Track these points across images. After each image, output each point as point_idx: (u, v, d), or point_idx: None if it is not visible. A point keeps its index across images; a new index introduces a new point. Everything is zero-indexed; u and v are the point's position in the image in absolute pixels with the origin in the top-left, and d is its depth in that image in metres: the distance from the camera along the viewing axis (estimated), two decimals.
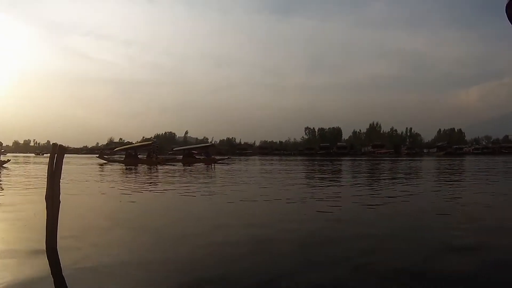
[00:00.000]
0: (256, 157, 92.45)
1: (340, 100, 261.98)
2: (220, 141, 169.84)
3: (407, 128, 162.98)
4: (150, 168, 36.80)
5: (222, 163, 49.38)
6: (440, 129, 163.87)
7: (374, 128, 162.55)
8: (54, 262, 5.46)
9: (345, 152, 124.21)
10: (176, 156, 59.85)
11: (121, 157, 56.61)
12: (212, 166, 40.92)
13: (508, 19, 2.03)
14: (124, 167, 39.44)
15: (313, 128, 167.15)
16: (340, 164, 46.19)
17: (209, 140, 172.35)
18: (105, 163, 49.91)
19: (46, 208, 6.15)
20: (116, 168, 38.25)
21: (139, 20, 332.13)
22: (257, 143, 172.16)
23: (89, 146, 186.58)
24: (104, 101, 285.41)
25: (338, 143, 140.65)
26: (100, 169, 35.96)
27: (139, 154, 53.64)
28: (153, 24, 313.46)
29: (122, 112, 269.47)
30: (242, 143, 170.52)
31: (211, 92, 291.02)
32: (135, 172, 31.04)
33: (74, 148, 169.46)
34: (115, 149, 66.63)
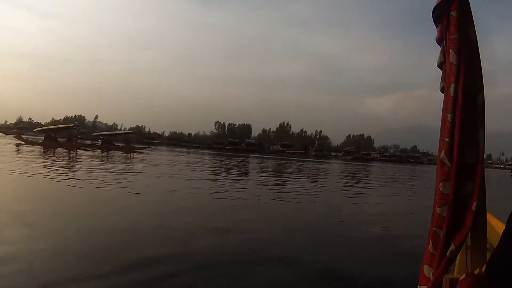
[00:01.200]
0: (164, 148, 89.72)
1: (252, 95, 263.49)
2: (130, 128, 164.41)
3: (316, 130, 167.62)
4: (68, 152, 36.45)
5: (141, 152, 49.88)
6: (349, 134, 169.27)
7: (284, 128, 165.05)
8: None
9: (253, 149, 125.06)
10: (95, 142, 58.60)
11: (39, 139, 53.40)
12: (131, 155, 41.56)
13: (434, 22, 2.16)
14: (42, 150, 38.16)
15: (223, 123, 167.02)
16: (247, 161, 48.15)
17: (119, 127, 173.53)
18: (22, 144, 47.78)
19: None
20: (33, 150, 36.73)
21: None
22: (166, 134, 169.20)
23: None
24: (15, 76, 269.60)
25: (247, 140, 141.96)
26: (16, 150, 34.94)
27: (58, 137, 51.60)
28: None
29: (33, 89, 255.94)
30: (151, 132, 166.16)
31: (125, 76, 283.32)
32: (53, 155, 30.51)
33: None
34: (34, 130, 63.34)
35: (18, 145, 44.06)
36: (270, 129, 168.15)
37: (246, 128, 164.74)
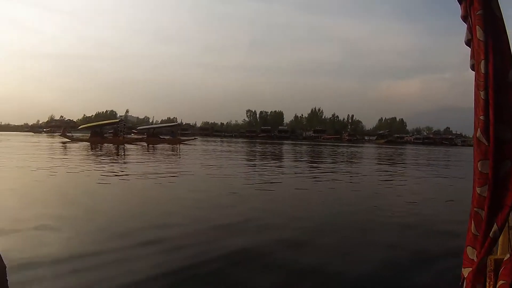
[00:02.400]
0: (198, 138, 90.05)
1: (282, 83, 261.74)
2: (161, 120, 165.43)
3: (348, 115, 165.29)
4: (117, 147, 36.27)
5: (188, 144, 49.81)
6: (381, 117, 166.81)
7: (315, 114, 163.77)
8: None
9: (286, 136, 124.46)
10: (142, 136, 56.85)
11: (85, 136, 53.17)
12: (178, 146, 41.10)
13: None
14: (89, 146, 38.02)
15: (255, 111, 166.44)
16: (301, 148, 47.30)
17: (150, 120, 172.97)
18: (68, 141, 47.34)
19: None
20: (81, 146, 36.42)
21: None
22: (198, 124, 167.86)
23: (30, 123, 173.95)
24: (45, 76, 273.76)
25: (280, 127, 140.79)
26: (64, 147, 34.65)
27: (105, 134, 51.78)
28: None
29: (62, 88, 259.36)
30: (184, 123, 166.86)
31: (153, 69, 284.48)
32: (102, 151, 30.33)
33: (15, 125, 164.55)
34: (79, 127, 62.90)
35: (64, 143, 43.88)
36: (302, 115, 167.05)
37: (278, 115, 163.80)
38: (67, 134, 55.35)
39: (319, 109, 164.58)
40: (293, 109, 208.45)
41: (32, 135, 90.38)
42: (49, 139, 61.80)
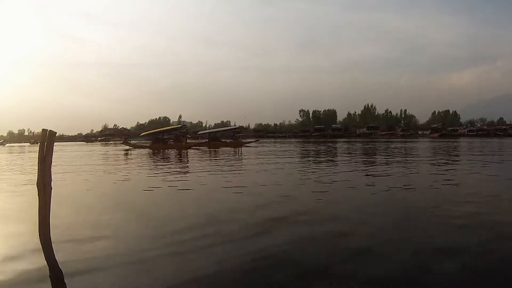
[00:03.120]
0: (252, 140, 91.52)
1: (333, 82, 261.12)
2: (215, 124, 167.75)
3: (401, 110, 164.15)
4: (180, 153, 36.08)
5: (250, 146, 49.66)
6: (434, 111, 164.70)
7: (368, 110, 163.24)
8: (48, 252, 5.42)
9: (339, 134, 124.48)
10: (204, 141, 56.70)
11: (146, 143, 54.43)
12: (239, 149, 40.51)
13: None
14: (152, 152, 38.44)
15: (307, 110, 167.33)
16: (372, 147, 44.50)
17: (204, 125, 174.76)
18: (130, 148, 48.02)
19: (38, 195, 6.09)
20: (144, 153, 37.18)
21: (129, 0, 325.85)
22: (252, 126, 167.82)
23: (84, 133, 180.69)
24: (95, 86, 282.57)
25: (333, 125, 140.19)
26: (129, 155, 34.88)
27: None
28: (142, 5, 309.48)
29: (113, 97, 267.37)
30: (237, 126, 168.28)
31: (202, 74, 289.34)
32: (173, 157, 30.35)
33: (69, 136, 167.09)
34: (141, 135, 63.72)
35: (127, 150, 44.48)
36: (355, 112, 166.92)
37: (331, 114, 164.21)
38: (129, 141, 55.08)
39: (371, 106, 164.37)
40: (345, 107, 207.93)
41: (86, 144, 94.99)
42: (107, 147, 63.94)
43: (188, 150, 41.58)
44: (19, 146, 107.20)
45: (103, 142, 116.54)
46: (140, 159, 28.56)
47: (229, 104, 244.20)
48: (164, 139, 50.82)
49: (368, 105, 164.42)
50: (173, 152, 38.69)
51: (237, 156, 29.77)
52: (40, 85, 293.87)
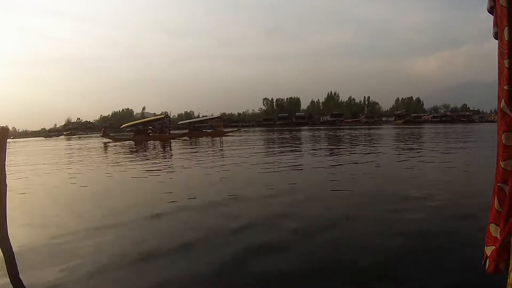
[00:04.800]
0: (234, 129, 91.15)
1: (297, 69, 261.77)
2: (178, 115, 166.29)
3: (365, 97, 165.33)
4: (164, 144, 35.39)
5: (232, 135, 49.72)
6: (398, 97, 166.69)
7: (332, 98, 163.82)
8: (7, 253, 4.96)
9: (303, 122, 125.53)
10: (185, 131, 55.75)
11: (125, 135, 54.69)
12: (221, 139, 40.48)
13: None
14: (136, 145, 37.45)
15: (271, 98, 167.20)
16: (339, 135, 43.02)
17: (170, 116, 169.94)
18: (110, 141, 46.68)
19: None
20: (128, 146, 36.04)
21: None
22: (215, 115, 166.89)
23: (47, 128, 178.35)
24: (57, 81, 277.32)
25: (297, 113, 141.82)
26: (109, 149, 32.98)
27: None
28: None
29: (76, 90, 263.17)
30: (201, 115, 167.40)
31: (167, 65, 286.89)
32: (160, 149, 29.35)
33: (33, 131, 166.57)
34: (122, 126, 61.35)
35: (106, 143, 42.66)
36: (318, 100, 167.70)
37: (295, 102, 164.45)
38: (108, 134, 53.28)
39: (335, 93, 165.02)
40: (309, 95, 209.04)
41: (46, 140, 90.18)
42: (80, 141, 60.87)
43: (171, 141, 40.90)
44: None
45: (67, 136, 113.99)
46: (127, 152, 27.42)
47: (193, 94, 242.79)
48: (147, 130, 49.48)
49: (331, 92, 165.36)
50: (156, 143, 38.05)
51: (219, 146, 29.40)
52: (6, 82, 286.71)
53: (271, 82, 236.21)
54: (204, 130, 54.58)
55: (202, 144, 32.45)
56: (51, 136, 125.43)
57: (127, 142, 44.12)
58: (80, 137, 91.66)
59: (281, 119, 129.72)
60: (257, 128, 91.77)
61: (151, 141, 42.99)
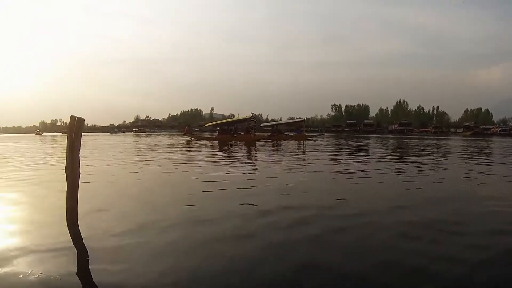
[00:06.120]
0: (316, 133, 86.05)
1: (359, 76, 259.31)
2: (246, 117, 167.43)
3: (433, 106, 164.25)
4: (248, 146, 33.63)
5: (314, 140, 47.73)
6: (467, 108, 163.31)
7: (401, 106, 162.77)
8: (75, 234, 5.73)
9: (372, 129, 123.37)
10: (267, 134, 53.21)
11: (210, 135, 53.69)
12: (303, 143, 39.00)
13: None
14: (219, 144, 36.52)
15: (340, 105, 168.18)
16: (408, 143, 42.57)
17: (235, 116, 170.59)
18: (192, 139, 46.32)
19: (66, 180, 6.34)
20: (209, 145, 35.61)
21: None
22: (284, 119, 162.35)
23: (116, 124, 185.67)
24: (122, 80, 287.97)
25: (365, 121, 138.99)
26: (193, 147, 32.32)
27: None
28: (168, 3, 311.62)
29: (141, 90, 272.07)
30: (269, 119, 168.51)
31: (230, 69, 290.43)
32: (245, 150, 28.47)
33: (101, 126, 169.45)
34: (206, 125, 62.10)
35: (188, 141, 42.42)
36: (387, 108, 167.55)
37: (364, 109, 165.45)
38: (193, 132, 54.23)
39: (404, 101, 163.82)
40: (378, 102, 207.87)
41: (109, 135, 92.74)
42: (153, 138, 60.39)
43: (256, 142, 39.05)
44: (52, 135, 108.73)
45: (136, 133, 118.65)
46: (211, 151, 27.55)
47: (260, 97, 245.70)
48: (231, 130, 47.99)
49: (400, 100, 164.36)
50: (241, 144, 36.94)
51: (302, 150, 28.61)
52: (74, 80, 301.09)
53: (338, 89, 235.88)
54: (287, 133, 53.51)
55: (287, 148, 31.30)
56: (116, 132, 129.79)
57: (210, 141, 43.25)
58: (148, 135, 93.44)
59: (350, 126, 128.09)
60: (325, 134, 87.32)
61: (236, 141, 41.74)
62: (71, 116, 6.33)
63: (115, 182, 11.61)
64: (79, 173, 6.36)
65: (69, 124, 6.43)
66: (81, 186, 6.65)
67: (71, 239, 5.51)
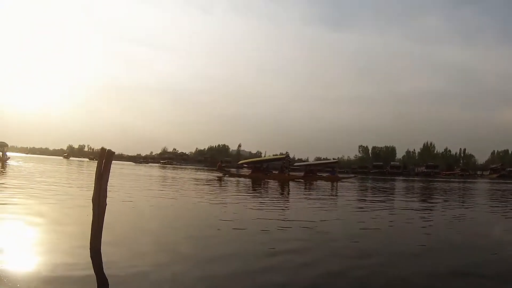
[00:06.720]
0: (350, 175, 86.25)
1: (390, 114, 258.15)
2: (274, 155, 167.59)
3: (460, 149, 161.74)
4: (282, 185, 33.37)
5: (347, 181, 47.37)
6: (494, 150, 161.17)
7: (428, 148, 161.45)
8: (97, 263, 6.03)
9: (398, 171, 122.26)
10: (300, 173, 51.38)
11: (243, 172, 53.50)
12: (336, 184, 39.35)
13: None
14: (251, 182, 36.16)
15: (366, 146, 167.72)
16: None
17: (263, 155, 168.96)
18: (224, 176, 46.36)
19: (92, 209, 6.60)
20: (242, 182, 35.87)
21: (193, 30, 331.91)
22: (311, 159, 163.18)
23: (143, 154, 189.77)
24: (156, 110, 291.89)
25: (392, 163, 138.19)
26: (228, 183, 32.82)
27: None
28: (207, 35, 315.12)
29: (174, 121, 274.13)
30: (296, 158, 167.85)
31: (259, 103, 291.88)
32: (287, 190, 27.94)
33: (128, 155, 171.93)
34: (239, 162, 61.00)
35: (220, 177, 42.51)
36: (414, 150, 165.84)
37: (390, 150, 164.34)
38: (225, 169, 53.89)
39: (431, 144, 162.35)
40: (405, 139, 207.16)
41: (134, 165, 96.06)
42: (181, 171, 63.78)
43: (289, 182, 38.38)
44: (79, 160, 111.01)
45: (163, 165, 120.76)
46: (245, 188, 27.83)
47: (286, 134, 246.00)
48: (265, 168, 47.44)
49: (427, 143, 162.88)
50: (275, 183, 36.37)
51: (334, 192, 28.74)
52: (103, 106, 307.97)
53: (364, 127, 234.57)
54: (320, 174, 51.55)
55: (319, 188, 31.58)
56: (141, 162, 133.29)
57: (242, 178, 43.14)
58: (175, 167, 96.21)
59: (376, 167, 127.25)
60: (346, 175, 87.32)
61: (270, 180, 40.76)
62: (102, 148, 6.69)
63: (149, 212, 12.34)
64: (106, 204, 6.65)
65: (99, 155, 6.78)
66: (108, 215, 6.97)
67: (92, 267, 5.85)
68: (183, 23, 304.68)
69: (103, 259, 6.17)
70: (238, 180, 38.93)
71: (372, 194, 28.81)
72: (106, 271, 5.68)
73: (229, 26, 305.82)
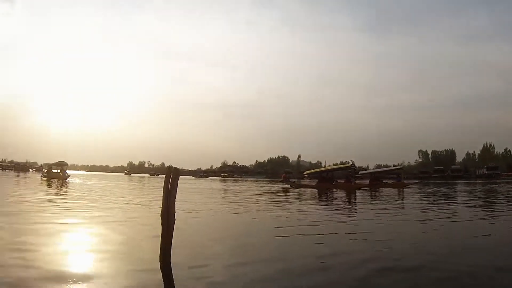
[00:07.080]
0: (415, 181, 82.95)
1: (447, 118, 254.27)
2: (334, 164, 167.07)
3: None
4: (349, 194, 33.68)
5: (413, 187, 47.04)
6: None
7: (487, 150, 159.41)
8: (167, 276, 6.30)
9: (459, 175, 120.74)
10: (365, 181, 52.26)
11: (308, 183, 53.55)
12: (402, 190, 39.46)
13: None
14: (318, 192, 36.47)
15: (426, 150, 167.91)
16: None
17: (323, 164, 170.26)
18: (291, 187, 46.31)
19: (162, 225, 6.79)
20: (308, 192, 35.97)
21: (243, 45, 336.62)
22: (371, 167, 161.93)
23: (203, 168, 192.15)
24: (212, 125, 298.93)
25: (452, 166, 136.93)
26: (294, 194, 33.07)
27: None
28: (256, 48, 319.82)
29: (231, 136, 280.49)
30: (357, 167, 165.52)
31: (318, 114, 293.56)
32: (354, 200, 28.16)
33: (189, 170, 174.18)
34: (305, 173, 61.01)
35: (286, 189, 42.25)
36: (474, 152, 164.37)
37: (450, 154, 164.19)
38: (290, 180, 53.93)
39: (490, 145, 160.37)
40: (464, 142, 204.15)
41: (194, 179, 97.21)
42: (243, 184, 64.28)
43: (356, 191, 38.53)
44: (140, 176, 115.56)
45: (224, 178, 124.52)
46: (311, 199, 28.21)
47: (347, 143, 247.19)
48: (331, 178, 47.76)
49: (487, 144, 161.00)
50: (341, 192, 36.77)
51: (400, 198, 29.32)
52: (163, 122, 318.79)
53: (423, 133, 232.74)
54: (385, 181, 52.01)
55: (386, 196, 31.77)
56: (200, 176, 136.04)
57: (308, 189, 42.84)
58: (236, 180, 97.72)
59: (437, 171, 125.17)
60: (411, 181, 78.35)
61: (336, 189, 41.03)
62: (168, 166, 6.92)
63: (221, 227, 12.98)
64: (174, 219, 6.79)
65: (166, 173, 6.88)
66: (178, 228, 7.31)
67: (162, 280, 6.07)
68: (230, 38, 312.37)
69: (173, 271, 6.56)
70: (304, 190, 39.58)
71: (450, 200, 28.69)
72: (175, 282, 6.11)
73: (273, 36, 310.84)
